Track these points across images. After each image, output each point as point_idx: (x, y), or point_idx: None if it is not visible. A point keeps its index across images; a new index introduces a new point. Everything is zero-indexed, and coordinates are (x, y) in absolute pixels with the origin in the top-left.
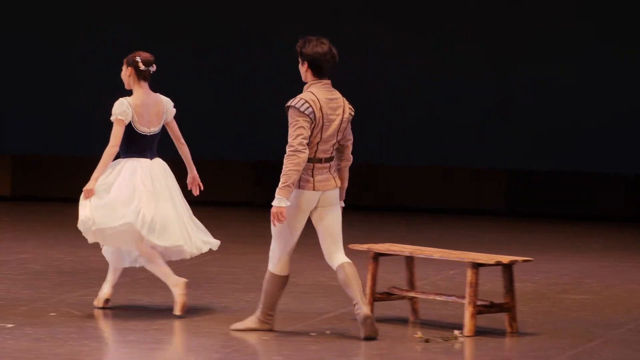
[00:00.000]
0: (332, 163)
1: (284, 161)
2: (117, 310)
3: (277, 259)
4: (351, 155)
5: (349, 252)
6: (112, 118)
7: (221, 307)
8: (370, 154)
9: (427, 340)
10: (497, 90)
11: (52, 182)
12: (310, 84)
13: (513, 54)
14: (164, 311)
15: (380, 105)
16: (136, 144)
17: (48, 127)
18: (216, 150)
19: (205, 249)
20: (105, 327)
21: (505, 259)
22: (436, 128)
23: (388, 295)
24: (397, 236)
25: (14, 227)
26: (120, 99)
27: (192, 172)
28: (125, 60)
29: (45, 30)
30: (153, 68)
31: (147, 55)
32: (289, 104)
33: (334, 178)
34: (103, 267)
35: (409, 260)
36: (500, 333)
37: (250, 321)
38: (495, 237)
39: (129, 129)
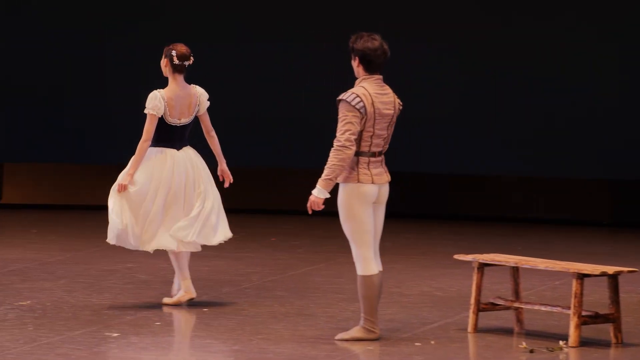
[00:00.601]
0: (383, 157)
1: (330, 154)
2: (223, 320)
3: (361, 261)
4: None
5: (453, 262)
6: (145, 111)
7: (326, 317)
8: (472, 163)
9: (531, 351)
10: (598, 98)
11: None
12: (362, 79)
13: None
14: (269, 320)
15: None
16: (165, 134)
17: None
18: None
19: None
20: (210, 336)
21: (611, 269)
22: (541, 137)
23: (493, 306)
24: (502, 246)
25: None
26: (154, 92)
27: (222, 165)
28: (164, 50)
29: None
30: (189, 61)
31: (183, 50)
32: (340, 97)
33: (386, 172)
34: (210, 276)
35: (514, 270)
36: (605, 344)
37: (356, 331)
38: (600, 247)
39: (159, 119)
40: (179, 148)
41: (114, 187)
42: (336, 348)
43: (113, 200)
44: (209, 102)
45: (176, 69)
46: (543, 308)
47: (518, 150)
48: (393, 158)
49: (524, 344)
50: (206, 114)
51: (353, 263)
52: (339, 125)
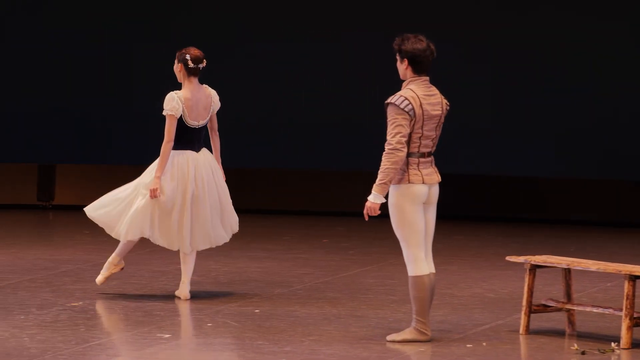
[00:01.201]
0: (432, 157)
1: (383, 158)
2: (274, 321)
3: (412, 261)
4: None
5: (505, 264)
6: (164, 113)
7: (378, 319)
8: (526, 165)
9: (583, 353)
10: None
11: None
12: (409, 81)
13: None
14: (321, 322)
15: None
16: (186, 137)
17: None
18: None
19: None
20: (262, 337)
21: None
22: (580, 139)
23: (544, 307)
24: (553, 248)
25: None
26: (171, 93)
27: (218, 163)
28: (177, 55)
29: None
30: (203, 64)
31: (196, 53)
32: (388, 101)
33: (436, 172)
34: (261, 278)
35: (566, 272)
36: None
37: (408, 332)
38: None
39: (180, 122)
40: (198, 150)
41: (147, 196)
42: (387, 349)
43: (144, 206)
44: (220, 104)
45: (191, 72)
46: (595, 310)
47: (571, 152)
48: (443, 159)
49: (576, 345)
50: (215, 114)
51: (404, 264)
52: (389, 128)
